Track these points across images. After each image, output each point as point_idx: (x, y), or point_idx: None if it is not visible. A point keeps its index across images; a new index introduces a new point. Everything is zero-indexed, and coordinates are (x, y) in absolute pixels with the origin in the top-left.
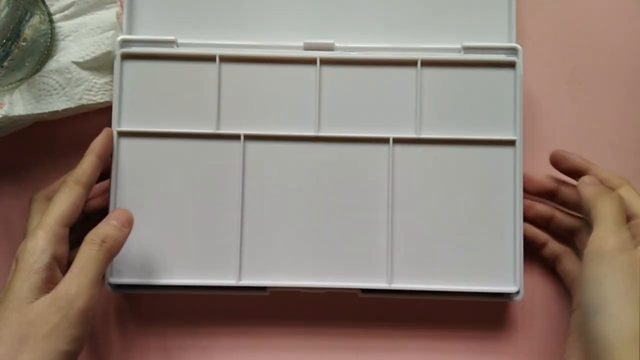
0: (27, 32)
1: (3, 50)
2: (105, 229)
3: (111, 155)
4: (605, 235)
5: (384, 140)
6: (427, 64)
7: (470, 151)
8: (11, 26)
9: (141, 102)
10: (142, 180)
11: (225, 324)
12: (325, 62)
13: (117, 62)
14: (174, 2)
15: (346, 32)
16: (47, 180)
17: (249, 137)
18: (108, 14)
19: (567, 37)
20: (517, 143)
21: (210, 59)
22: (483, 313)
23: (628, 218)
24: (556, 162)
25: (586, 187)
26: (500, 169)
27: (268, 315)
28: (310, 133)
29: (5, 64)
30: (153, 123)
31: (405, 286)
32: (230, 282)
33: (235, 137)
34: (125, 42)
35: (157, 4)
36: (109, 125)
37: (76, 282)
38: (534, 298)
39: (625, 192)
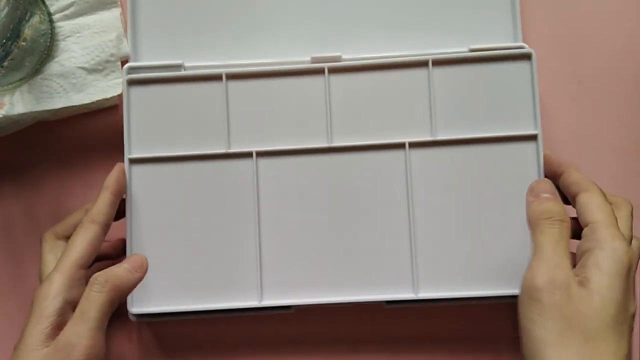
0: (27, 32)
1: (3, 50)
2: (112, 269)
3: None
4: (537, 270)
5: (399, 146)
6: (438, 63)
7: (489, 150)
8: (11, 26)
9: (150, 127)
10: (157, 206)
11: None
12: (333, 70)
13: (124, 88)
14: (177, 25)
15: (352, 43)
16: (47, 180)
17: (261, 154)
18: (109, 15)
19: (568, 38)
20: (539, 137)
21: (216, 77)
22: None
23: (583, 225)
24: (544, 164)
25: (530, 203)
26: (522, 166)
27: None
28: (323, 145)
29: (5, 63)
30: (164, 148)
31: (433, 295)
32: (252, 303)
33: (247, 155)
34: (131, 69)
35: (160, 28)
36: (111, 125)
37: (75, 330)
38: None
39: (586, 198)
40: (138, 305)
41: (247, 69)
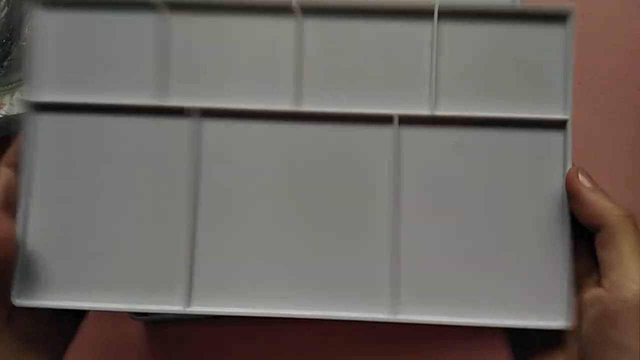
0: (27, 32)
1: (3, 50)
2: None
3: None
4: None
5: (386, 119)
6: (446, 15)
7: (504, 136)
8: (11, 26)
9: (63, 66)
10: (64, 170)
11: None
12: (308, 10)
13: (34, 13)
14: None
15: None
16: None
17: (206, 113)
18: None
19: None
20: (568, 125)
21: (152, 6)
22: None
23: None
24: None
25: (593, 192)
26: (544, 160)
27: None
28: (287, 107)
29: (5, 63)
30: (77, 93)
31: (415, 318)
32: (176, 308)
33: (187, 113)
34: None
35: None
36: None
37: None
38: None
39: None
40: (25, 296)
41: None
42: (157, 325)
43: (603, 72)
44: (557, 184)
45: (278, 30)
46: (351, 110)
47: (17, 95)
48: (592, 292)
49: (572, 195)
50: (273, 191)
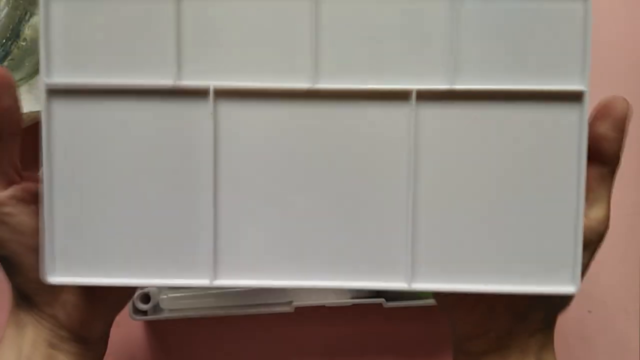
0: (27, 32)
1: (3, 50)
2: None
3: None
4: None
5: (403, 95)
6: None
7: (521, 109)
8: (11, 26)
9: (77, 48)
10: (83, 155)
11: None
12: None
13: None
14: None
15: None
16: None
17: (221, 92)
18: None
19: None
20: (585, 97)
21: None
22: None
23: None
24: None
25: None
26: (558, 133)
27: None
28: (304, 85)
29: (5, 63)
30: (92, 75)
31: (430, 286)
32: (203, 282)
33: (203, 92)
34: None
35: None
36: None
37: None
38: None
39: None
40: (52, 273)
41: None
42: (157, 324)
43: (602, 72)
44: (572, 154)
45: (294, 8)
46: (368, 87)
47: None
48: None
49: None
50: (291, 168)
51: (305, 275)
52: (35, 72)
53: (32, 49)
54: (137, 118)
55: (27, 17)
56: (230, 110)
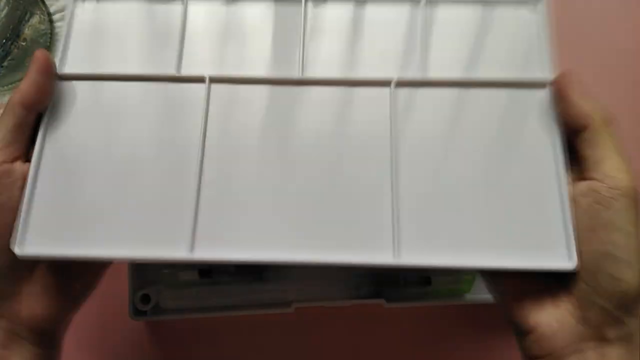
0: (27, 32)
1: (3, 50)
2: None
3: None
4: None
5: (386, 83)
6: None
7: (493, 92)
8: (11, 26)
9: (92, 46)
10: (79, 129)
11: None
12: None
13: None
14: None
15: None
16: None
17: (216, 80)
18: None
19: (566, 36)
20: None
21: None
22: None
23: None
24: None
25: (580, 94)
26: (531, 112)
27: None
28: (293, 75)
29: (5, 63)
30: (98, 65)
31: (418, 261)
32: (180, 254)
33: (199, 80)
34: None
35: None
36: None
37: None
38: None
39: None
40: (28, 243)
41: None
42: (157, 325)
43: (602, 71)
44: (546, 130)
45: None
46: (352, 77)
47: None
48: (583, 185)
49: (561, 96)
50: (280, 149)
51: (291, 252)
52: None
53: (32, 49)
54: (132, 96)
55: (27, 17)
56: (221, 93)
